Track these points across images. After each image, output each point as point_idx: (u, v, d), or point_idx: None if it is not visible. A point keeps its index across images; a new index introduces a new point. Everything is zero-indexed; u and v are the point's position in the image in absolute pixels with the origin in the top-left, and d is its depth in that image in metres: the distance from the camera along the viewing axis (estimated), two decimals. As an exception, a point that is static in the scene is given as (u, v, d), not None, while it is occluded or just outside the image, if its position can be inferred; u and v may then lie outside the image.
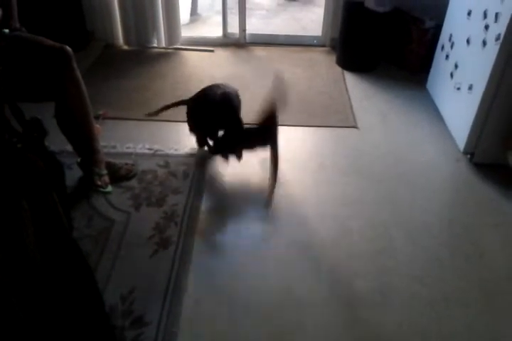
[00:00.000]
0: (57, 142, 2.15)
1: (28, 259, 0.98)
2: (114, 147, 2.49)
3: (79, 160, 2.22)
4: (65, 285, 1.14)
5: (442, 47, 2.89)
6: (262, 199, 2.23)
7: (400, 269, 1.92)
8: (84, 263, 1.21)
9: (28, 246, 0.97)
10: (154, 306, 1.71)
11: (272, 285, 1.84)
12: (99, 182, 2.19)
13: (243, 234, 2.06)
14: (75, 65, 1.97)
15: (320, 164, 2.48)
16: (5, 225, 0.94)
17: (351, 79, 3.30)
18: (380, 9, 3.12)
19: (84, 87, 2.04)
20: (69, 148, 2.21)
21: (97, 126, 2.56)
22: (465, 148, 2.50)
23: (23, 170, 1.04)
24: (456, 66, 2.64)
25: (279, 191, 2.24)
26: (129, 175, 2.30)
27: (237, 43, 3.74)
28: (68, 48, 1.94)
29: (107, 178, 2.22)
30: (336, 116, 2.88)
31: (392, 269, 1.92)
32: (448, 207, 2.30)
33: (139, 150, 2.50)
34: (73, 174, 2.22)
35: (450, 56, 2.75)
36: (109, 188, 2.22)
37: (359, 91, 3.16)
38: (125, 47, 3.64)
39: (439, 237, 2.08)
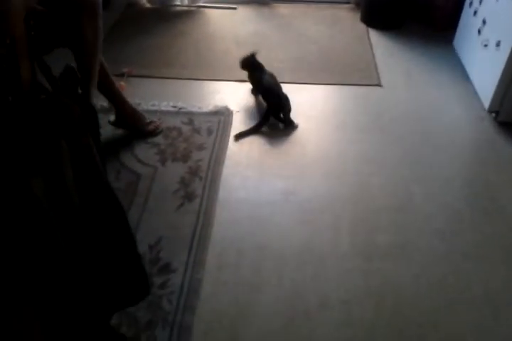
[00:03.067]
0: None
1: (68, 199, 1.04)
2: (138, 104, 2.52)
3: (112, 119, 2.26)
4: (101, 226, 1.19)
5: (470, 3, 2.81)
6: (285, 155, 2.27)
7: (420, 224, 1.96)
8: (118, 205, 1.24)
9: (68, 187, 1.02)
10: (180, 255, 1.79)
11: (293, 236, 1.90)
12: (150, 129, 2.36)
13: (266, 188, 2.11)
14: (100, 11, 1.96)
15: (342, 122, 2.49)
16: (47, 164, 0.99)
17: (376, 37, 3.25)
18: (408, -37, 3.03)
19: (101, 36, 2.04)
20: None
21: (122, 83, 2.60)
22: (490, 107, 2.47)
23: (60, 114, 1.07)
24: (484, 22, 2.58)
25: (298, 149, 2.28)
26: (156, 132, 2.36)
27: (260, 1, 3.68)
28: None
29: (156, 123, 2.38)
30: (359, 74, 2.86)
31: (411, 224, 1.95)
32: (469, 164, 2.30)
33: (163, 108, 2.53)
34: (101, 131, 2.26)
35: (478, 12, 2.68)
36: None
37: (384, 49, 3.12)
38: (148, 5, 3.61)
39: (459, 193, 2.10)
